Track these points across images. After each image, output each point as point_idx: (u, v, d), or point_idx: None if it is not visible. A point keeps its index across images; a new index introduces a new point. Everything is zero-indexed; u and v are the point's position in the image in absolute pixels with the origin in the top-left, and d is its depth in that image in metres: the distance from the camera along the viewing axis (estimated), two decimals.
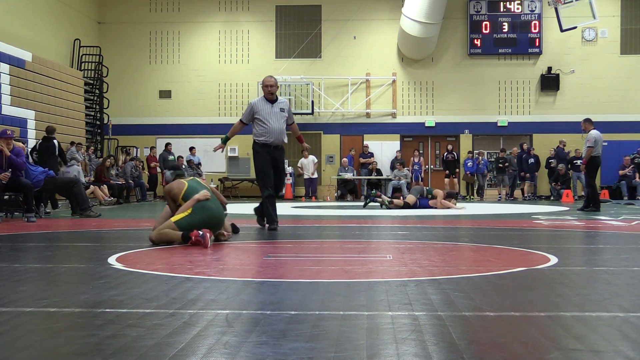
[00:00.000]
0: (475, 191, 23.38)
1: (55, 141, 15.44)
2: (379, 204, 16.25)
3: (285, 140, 9.30)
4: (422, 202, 15.70)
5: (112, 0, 24.51)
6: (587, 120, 14.78)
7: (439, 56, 24.05)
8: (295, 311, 3.44)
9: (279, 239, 7.56)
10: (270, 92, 9.25)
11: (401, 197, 16.99)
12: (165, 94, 24.40)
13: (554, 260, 5.52)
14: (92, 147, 20.61)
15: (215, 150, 10.09)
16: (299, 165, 22.88)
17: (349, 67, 23.95)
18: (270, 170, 9.18)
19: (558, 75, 23.71)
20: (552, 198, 22.25)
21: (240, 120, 9.52)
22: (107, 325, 3.13)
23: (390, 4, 23.71)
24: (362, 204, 17.72)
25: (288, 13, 24.31)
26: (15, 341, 2.86)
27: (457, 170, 23.31)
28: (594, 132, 14.29)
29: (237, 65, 24.31)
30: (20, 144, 12.92)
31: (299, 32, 24.10)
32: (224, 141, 9.75)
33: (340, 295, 3.98)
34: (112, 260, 5.56)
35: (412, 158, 23.19)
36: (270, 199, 9.08)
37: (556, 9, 20.87)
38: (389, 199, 16.24)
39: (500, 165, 22.84)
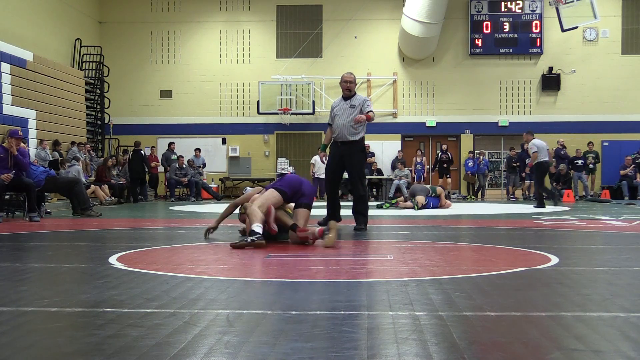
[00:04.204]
0: (475, 191, 23.36)
1: (142, 152, 20.10)
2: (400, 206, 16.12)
3: (352, 138, 9.02)
4: (434, 201, 15.70)
5: (113, 0, 24.53)
6: (529, 132, 16.79)
7: (440, 56, 24.04)
8: (296, 311, 3.44)
9: (279, 238, 7.54)
10: (347, 87, 9.10)
11: (402, 197, 17.00)
12: (166, 94, 24.40)
13: (554, 260, 5.52)
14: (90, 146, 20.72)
15: (322, 160, 9.72)
16: (312, 161, 22.72)
17: (349, 67, 23.78)
18: (330, 172, 9.22)
19: (559, 75, 23.70)
20: None
21: (328, 123, 9.42)
22: (108, 324, 3.13)
23: (391, 4, 23.71)
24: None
25: (289, 13, 24.31)
26: (16, 341, 2.86)
27: (453, 169, 23.28)
28: (535, 141, 16.07)
29: (238, 65, 24.31)
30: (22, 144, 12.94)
31: (300, 32, 24.10)
32: (323, 149, 9.58)
33: (341, 294, 3.98)
34: (112, 260, 5.57)
35: (414, 158, 23.18)
36: (330, 201, 9.21)
37: (557, 9, 20.87)
38: (403, 200, 16.27)
39: (514, 164, 22.72)
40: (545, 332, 3.02)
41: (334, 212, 9.18)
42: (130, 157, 20.47)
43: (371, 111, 9.07)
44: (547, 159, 16.05)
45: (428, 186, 16.84)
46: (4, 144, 11.92)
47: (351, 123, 8.98)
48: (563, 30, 21.17)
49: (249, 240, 6.54)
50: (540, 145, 15.93)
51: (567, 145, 22.97)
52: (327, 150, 9.60)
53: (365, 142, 24.61)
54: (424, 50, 23.67)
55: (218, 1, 24.41)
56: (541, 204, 15.88)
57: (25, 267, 5.39)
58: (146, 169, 20.63)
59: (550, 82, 23.70)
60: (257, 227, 6.62)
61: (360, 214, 9.04)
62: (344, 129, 9.01)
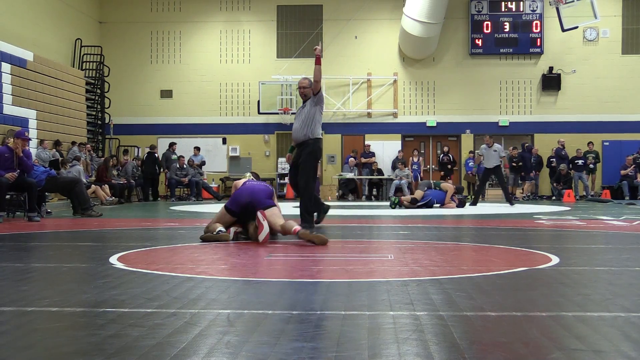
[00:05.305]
0: (476, 191, 23.32)
1: (155, 154, 21.60)
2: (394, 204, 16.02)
3: (310, 135, 9.09)
4: (436, 195, 15.63)
5: (113, 0, 24.52)
6: (491, 136, 17.88)
7: (440, 56, 24.04)
8: (296, 311, 3.44)
9: (280, 238, 7.56)
10: (302, 93, 9.31)
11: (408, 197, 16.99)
12: (166, 94, 24.40)
13: (555, 260, 5.52)
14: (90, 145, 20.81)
15: (288, 162, 9.90)
16: None
17: (350, 67, 23.94)
18: (292, 171, 9.45)
19: (559, 75, 23.70)
20: (553, 198, 22.24)
21: None
22: (109, 324, 3.13)
23: (391, 4, 23.71)
24: (364, 203, 17.71)
25: (289, 13, 24.31)
26: (17, 341, 2.86)
27: (455, 170, 23.29)
28: (499, 145, 17.51)
29: (238, 65, 24.31)
30: None
31: (300, 32, 24.09)
32: (290, 150, 9.69)
33: (341, 295, 3.98)
34: (113, 259, 5.57)
35: (411, 158, 23.17)
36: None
37: (557, 9, 20.85)
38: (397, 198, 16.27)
39: (515, 164, 22.56)
40: (546, 332, 3.02)
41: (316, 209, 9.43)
42: (144, 158, 21.72)
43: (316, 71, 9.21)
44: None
45: (432, 181, 16.87)
46: (9, 144, 11.93)
47: (305, 124, 9.09)
48: (563, 30, 21.15)
49: (213, 233, 7.22)
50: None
51: (567, 145, 22.98)
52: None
53: (366, 142, 24.76)
54: (424, 50, 23.68)
55: (218, 1, 24.41)
56: (510, 201, 17.34)
57: (26, 267, 5.39)
58: (158, 171, 21.67)
59: (551, 82, 23.70)
60: (221, 228, 7.28)
61: (307, 213, 9.09)
62: (296, 131, 9.20)
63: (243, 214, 7.39)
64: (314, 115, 9.12)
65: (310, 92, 9.21)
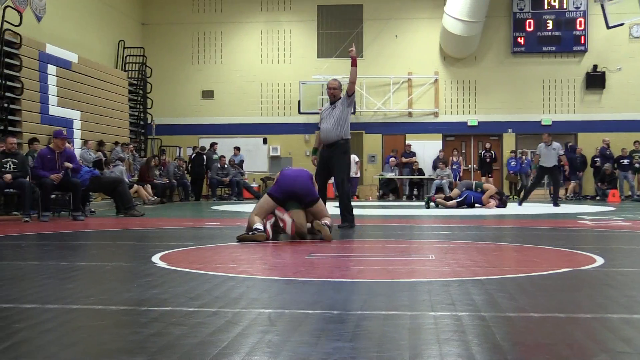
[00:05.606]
0: (518, 191, 23.09)
1: (204, 156, 22.03)
2: (427, 204, 16.11)
3: (343, 136, 9.23)
4: (475, 195, 15.61)
5: (156, 1, 24.79)
6: (550, 134, 17.22)
7: (482, 55, 23.83)
8: (337, 311, 3.44)
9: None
10: (331, 94, 9.50)
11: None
12: (207, 94, 24.59)
13: (600, 261, 5.43)
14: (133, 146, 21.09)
15: (313, 163, 9.95)
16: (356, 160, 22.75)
17: (390, 67, 23.86)
18: (320, 172, 9.48)
19: (604, 73, 23.30)
20: (597, 198, 21.89)
21: (318, 127, 9.78)
22: (151, 323, 3.16)
23: (432, 3, 23.57)
24: (404, 203, 17.66)
25: (330, 12, 24.32)
26: (62, 338, 2.90)
27: (495, 169, 23.04)
28: (558, 143, 16.90)
29: (279, 65, 24.40)
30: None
31: (341, 32, 24.08)
32: (314, 153, 9.88)
33: (382, 295, 3.96)
34: (155, 258, 5.62)
35: (451, 158, 23.00)
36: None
37: (602, 6, 20.50)
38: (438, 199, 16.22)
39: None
40: (591, 334, 2.97)
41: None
42: (192, 159, 22.25)
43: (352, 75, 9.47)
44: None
45: (474, 182, 16.79)
46: (50, 145, 12.12)
47: (338, 125, 9.21)
48: (608, 27, 20.79)
49: (250, 234, 7.09)
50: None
51: (612, 145, 22.58)
52: (318, 154, 9.80)
53: (407, 142, 24.70)
54: (466, 49, 23.49)
55: (259, 1, 24.52)
56: (556, 202, 16.52)
57: (71, 265, 5.48)
58: (206, 171, 22.12)
59: (595, 80, 23.32)
60: (259, 225, 7.10)
61: (347, 211, 9.17)
62: (328, 132, 9.27)
63: (286, 201, 7.39)
64: (347, 117, 9.34)
65: (340, 93, 9.39)
